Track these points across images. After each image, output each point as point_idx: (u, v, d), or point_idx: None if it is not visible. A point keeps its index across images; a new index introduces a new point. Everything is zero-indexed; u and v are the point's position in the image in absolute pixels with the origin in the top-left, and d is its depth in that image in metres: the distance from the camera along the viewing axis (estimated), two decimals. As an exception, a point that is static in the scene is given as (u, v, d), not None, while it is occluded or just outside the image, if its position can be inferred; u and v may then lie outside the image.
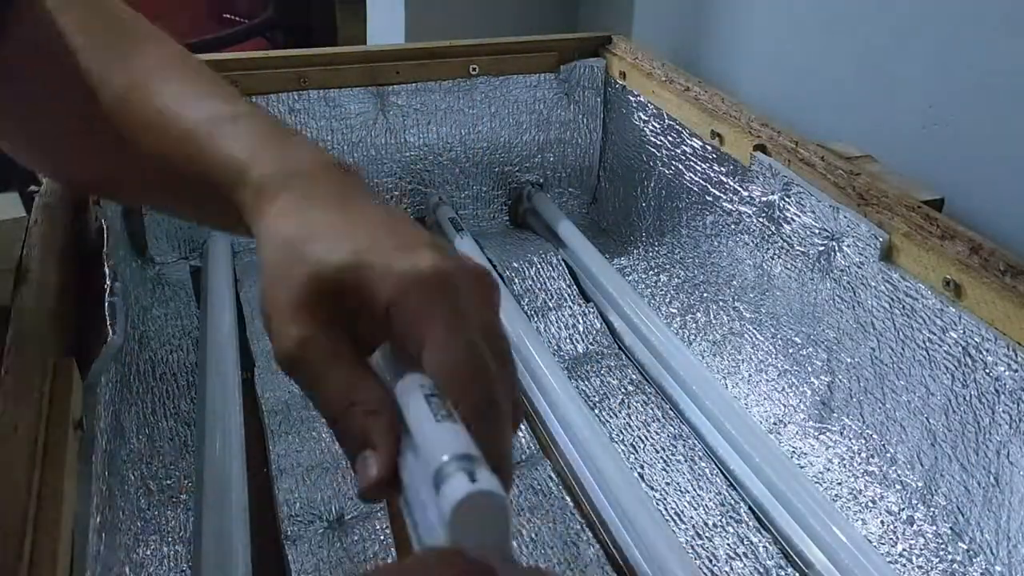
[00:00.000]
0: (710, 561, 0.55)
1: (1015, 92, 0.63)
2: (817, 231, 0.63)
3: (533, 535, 0.56)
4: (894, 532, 0.56)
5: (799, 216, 0.65)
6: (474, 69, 0.87)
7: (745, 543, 0.56)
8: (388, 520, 0.56)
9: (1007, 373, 0.49)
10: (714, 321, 0.75)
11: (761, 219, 0.69)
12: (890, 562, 0.54)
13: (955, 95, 0.67)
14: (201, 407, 0.63)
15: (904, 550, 0.54)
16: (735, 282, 0.73)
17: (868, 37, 0.75)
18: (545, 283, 0.82)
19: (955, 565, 0.52)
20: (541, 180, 0.94)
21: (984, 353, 0.50)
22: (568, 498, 0.59)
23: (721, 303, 0.75)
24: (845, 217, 0.60)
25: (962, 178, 0.66)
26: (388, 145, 0.87)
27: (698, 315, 0.76)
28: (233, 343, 0.69)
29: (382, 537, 0.55)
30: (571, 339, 0.76)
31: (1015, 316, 0.49)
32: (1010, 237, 0.61)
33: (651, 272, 0.84)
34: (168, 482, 0.59)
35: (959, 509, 0.53)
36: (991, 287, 0.50)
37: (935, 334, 0.54)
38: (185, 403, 0.65)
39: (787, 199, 0.66)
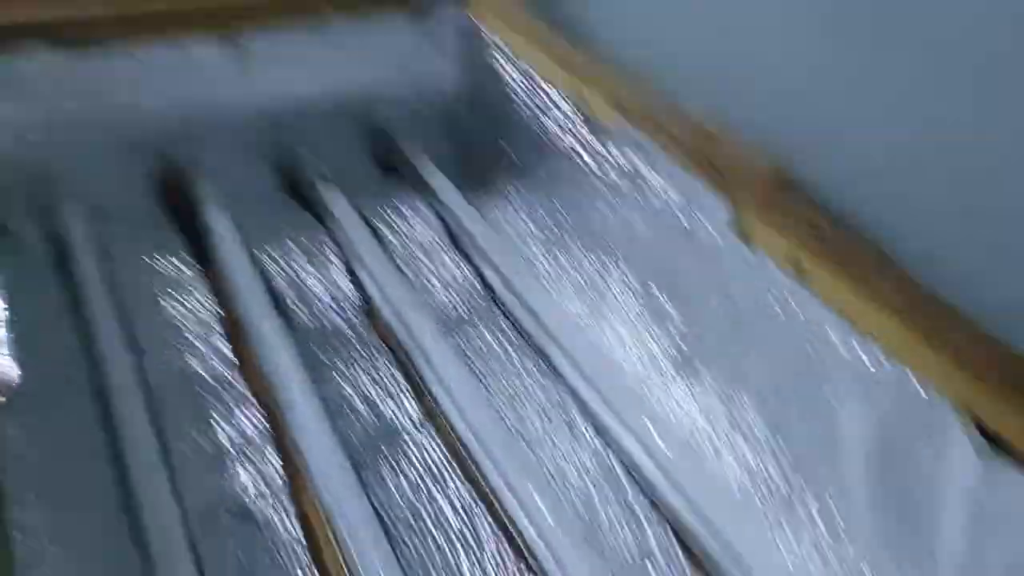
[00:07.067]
0: (587, 510, 0.60)
1: (858, 63, 0.65)
2: (674, 197, 0.67)
3: (422, 500, 0.59)
4: (750, 477, 0.62)
5: (657, 180, 0.68)
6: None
7: (618, 497, 0.61)
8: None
9: (846, 342, 0.55)
10: (580, 270, 0.78)
11: (624, 180, 0.72)
12: (746, 506, 0.60)
13: (808, 64, 0.68)
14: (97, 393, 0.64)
15: (761, 497, 0.61)
16: (600, 237, 0.77)
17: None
18: (416, 234, 0.83)
19: (799, 508, 0.59)
20: (408, 127, 0.92)
21: (828, 329, 0.56)
22: (454, 462, 0.62)
23: (587, 254, 0.78)
24: (698, 184, 0.64)
25: (810, 148, 0.69)
26: (247, 95, 0.84)
27: (564, 263, 0.79)
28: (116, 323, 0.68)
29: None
30: (446, 291, 0.78)
31: (851, 290, 0.54)
32: (854, 207, 0.64)
33: (520, 223, 0.86)
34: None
35: (803, 463, 0.59)
36: (831, 259, 0.55)
37: (779, 302, 0.59)
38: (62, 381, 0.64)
39: (647, 163, 0.69)
